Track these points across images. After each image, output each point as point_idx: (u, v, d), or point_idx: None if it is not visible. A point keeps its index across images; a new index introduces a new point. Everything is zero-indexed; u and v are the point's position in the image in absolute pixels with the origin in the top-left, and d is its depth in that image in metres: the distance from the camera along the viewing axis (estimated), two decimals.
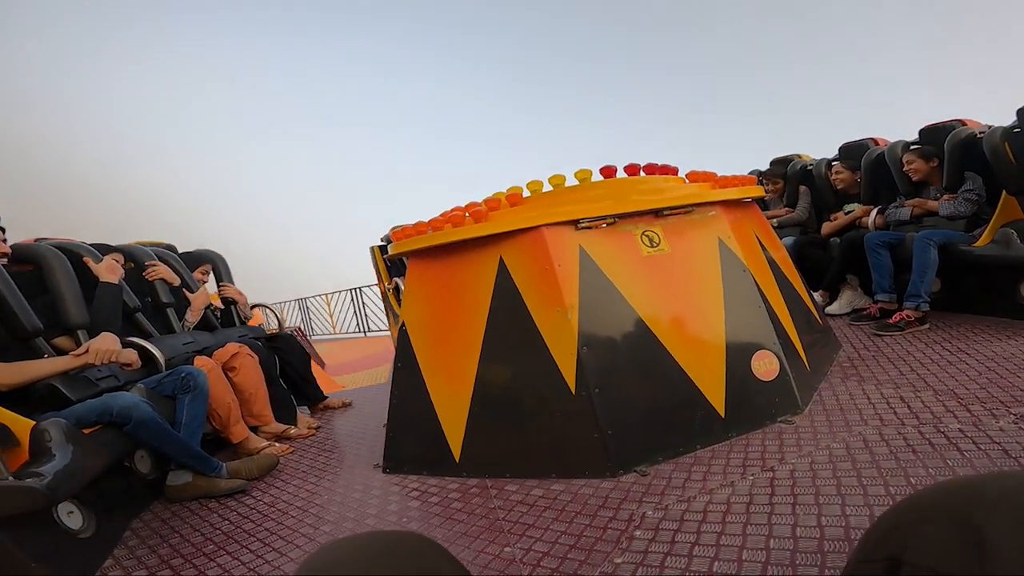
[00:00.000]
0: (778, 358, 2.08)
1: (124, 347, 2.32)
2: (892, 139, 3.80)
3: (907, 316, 2.95)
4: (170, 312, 3.03)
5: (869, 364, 2.52)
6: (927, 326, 2.96)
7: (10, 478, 1.54)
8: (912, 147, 3.51)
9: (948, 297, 3.28)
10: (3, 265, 2.14)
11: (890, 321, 2.99)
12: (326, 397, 3.48)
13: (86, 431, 1.90)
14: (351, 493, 2.06)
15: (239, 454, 2.59)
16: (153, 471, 2.27)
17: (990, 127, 3.10)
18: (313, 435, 2.93)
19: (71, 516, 1.78)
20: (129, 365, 2.21)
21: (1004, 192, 2.97)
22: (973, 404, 1.88)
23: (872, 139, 4.18)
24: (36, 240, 2.61)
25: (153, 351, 2.47)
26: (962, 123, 3.46)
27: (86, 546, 1.77)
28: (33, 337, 2.15)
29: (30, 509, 1.52)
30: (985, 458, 1.50)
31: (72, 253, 2.53)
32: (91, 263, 2.53)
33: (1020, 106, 2.83)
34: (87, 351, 2.10)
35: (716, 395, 1.95)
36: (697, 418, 1.91)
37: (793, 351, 2.21)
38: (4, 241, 2.21)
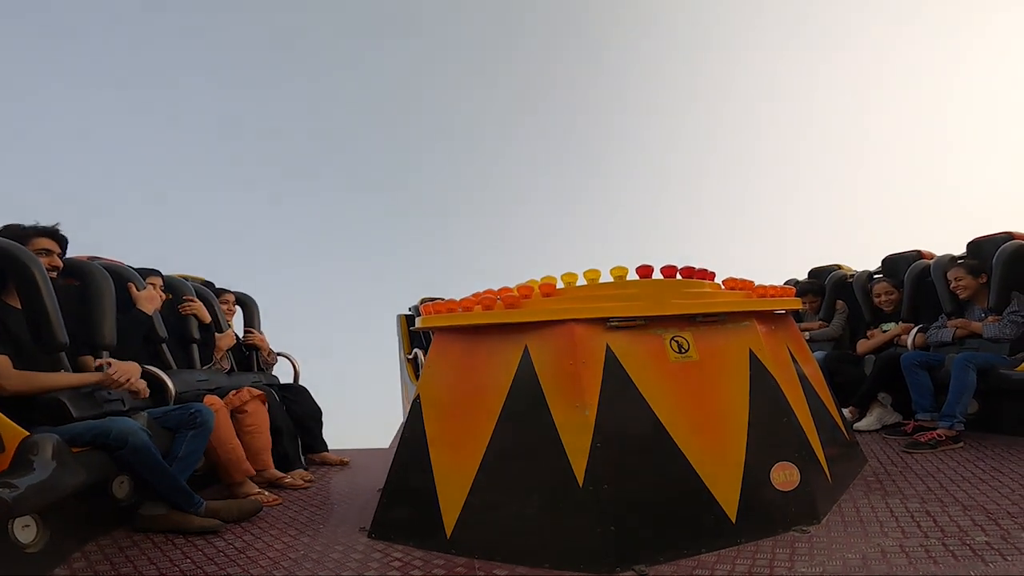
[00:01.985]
0: (799, 470, 2.01)
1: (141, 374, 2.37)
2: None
3: (939, 436, 2.84)
4: (194, 348, 3.08)
5: (895, 479, 2.42)
6: (961, 444, 2.84)
7: None
8: (959, 261, 3.41)
9: (985, 419, 3.13)
10: (52, 278, 2.21)
11: (922, 439, 2.86)
12: (327, 450, 3.44)
13: (76, 450, 1.90)
14: (329, 552, 1.98)
15: (231, 495, 2.54)
16: (128, 498, 2.23)
17: None
18: (305, 488, 2.86)
19: (25, 530, 1.76)
20: (137, 394, 2.25)
21: None
22: (1003, 519, 1.83)
23: (918, 251, 4.07)
24: (89, 258, 2.70)
25: (166, 382, 2.50)
26: (1011, 235, 3.35)
27: (28, 559, 1.74)
28: (59, 351, 2.17)
29: None
30: (1012, 570, 1.44)
31: (118, 276, 2.61)
32: (134, 290, 2.61)
33: None
34: (111, 369, 2.15)
35: (729, 501, 1.89)
36: (706, 522, 1.85)
37: (816, 463, 2.15)
38: (60, 256, 2.29)
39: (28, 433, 1.79)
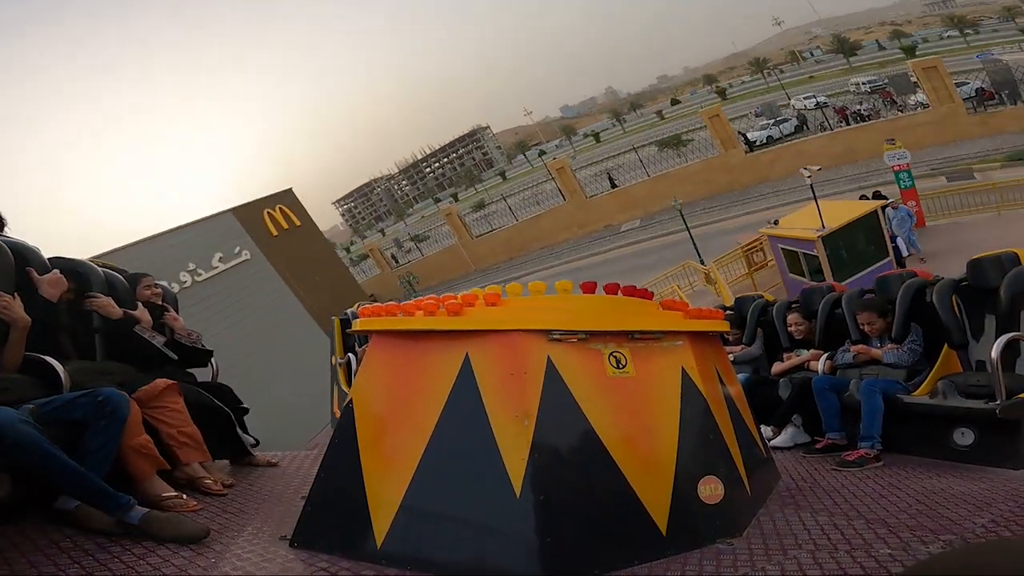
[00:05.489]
0: (723, 484, 2.10)
1: (29, 363, 2.15)
2: None
3: (865, 454, 3.01)
4: (97, 339, 2.79)
5: (806, 494, 2.56)
6: (882, 463, 3.01)
7: None
8: (868, 303, 3.68)
9: (885, 440, 3.37)
10: None
11: (849, 459, 3.03)
12: (251, 453, 3.21)
13: None
14: (241, 563, 1.82)
15: (140, 497, 2.28)
16: (13, 495, 1.83)
17: (940, 278, 3.35)
18: (223, 493, 2.60)
19: None
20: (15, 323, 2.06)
21: (946, 345, 3.16)
22: (903, 531, 1.93)
23: (831, 284, 4.44)
24: None
25: (57, 368, 2.23)
26: (914, 273, 3.73)
27: None
28: None
29: None
30: None
31: (18, 255, 2.36)
32: (34, 274, 2.36)
33: (970, 259, 3.05)
34: None
35: (660, 514, 1.94)
36: (638, 534, 1.89)
37: (738, 479, 2.25)
38: None
39: None
